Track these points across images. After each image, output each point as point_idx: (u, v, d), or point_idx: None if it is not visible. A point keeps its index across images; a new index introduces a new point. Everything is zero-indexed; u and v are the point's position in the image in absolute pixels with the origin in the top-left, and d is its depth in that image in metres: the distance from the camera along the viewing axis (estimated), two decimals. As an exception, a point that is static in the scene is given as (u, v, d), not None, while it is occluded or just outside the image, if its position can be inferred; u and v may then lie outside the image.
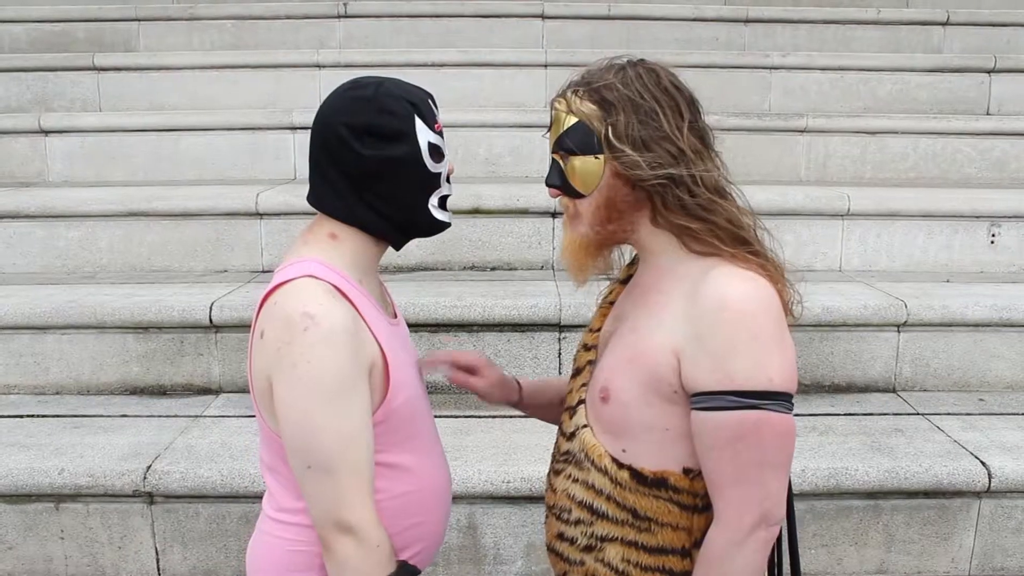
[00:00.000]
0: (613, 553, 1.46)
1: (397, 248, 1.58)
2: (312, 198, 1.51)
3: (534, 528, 2.81)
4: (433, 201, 1.52)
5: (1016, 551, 2.89)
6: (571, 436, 1.52)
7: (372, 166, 1.44)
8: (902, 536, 2.87)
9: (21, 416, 3.21)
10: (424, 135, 1.46)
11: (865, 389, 3.50)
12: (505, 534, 2.82)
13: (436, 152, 1.49)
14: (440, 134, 1.50)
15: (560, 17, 5.86)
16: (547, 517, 1.59)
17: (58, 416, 3.21)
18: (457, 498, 2.78)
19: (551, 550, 1.57)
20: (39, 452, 2.87)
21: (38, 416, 3.21)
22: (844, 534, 2.86)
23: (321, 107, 1.49)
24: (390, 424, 1.47)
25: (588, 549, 1.48)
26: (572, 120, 1.42)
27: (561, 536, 1.52)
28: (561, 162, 1.45)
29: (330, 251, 1.47)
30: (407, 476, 1.52)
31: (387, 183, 1.46)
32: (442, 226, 1.55)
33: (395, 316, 1.62)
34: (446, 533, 1.69)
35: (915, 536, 2.87)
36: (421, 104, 1.48)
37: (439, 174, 1.51)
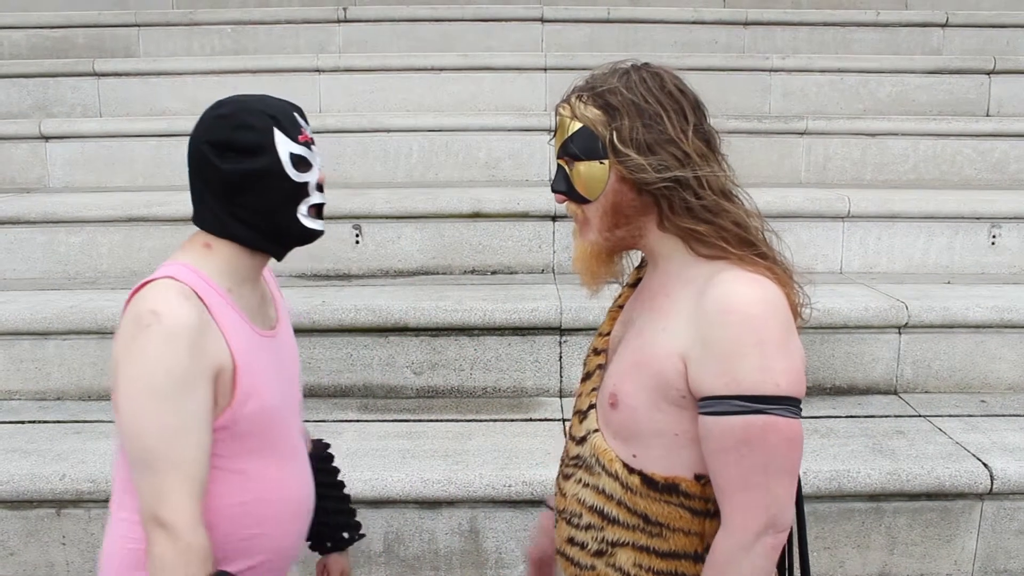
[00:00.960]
0: (624, 558, 1.45)
1: (278, 258, 1.63)
2: (196, 217, 1.57)
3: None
4: (302, 210, 1.55)
5: (1019, 553, 2.89)
6: (581, 441, 1.52)
7: (234, 180, 1.49)
8: (904, 538, 2.87)
9: (22, 422, 3.21)
10: (285, 146, 1.51)
11: (866, 391, 3.50)
12: (507, 538, 2.82)
13: (301, 162, 1.53)
14: (307, 144, 1.54)
15: (559, 21, 5.87)
16: (557, 522, 1.58)
17: (59, 422, 3.21)
18: (458, 502, 2.78)
19: (561, 555, 1.56)
20: (40, 458, 2.87)
21: (39, 422, 3.21)
22: (846, 537, 2.86)
23: (193, 128, 1.55)
24: (236, 431, 1.49)
25: (599, 554, 1.47)
26: (577, 125, 1.41)
27: (572, 541, 1.52)
28: (566, 167, 1.44)
29: (201, 259, 1.52)
30: (251, 485, 1.53)
31: (251, 195, 1.51)
32: (314, 234, 1.59)
33: (273, 328, 1.63)
34: (300, 551, 1.71)
35: (917, 538, 2.87)
36: (282, 116, 1.52)
37: (305, 184, 1.54)
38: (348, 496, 1.97)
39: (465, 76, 5.38)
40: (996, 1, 6.26)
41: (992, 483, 2.80)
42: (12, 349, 3.43)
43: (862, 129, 5.05)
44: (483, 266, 4.13)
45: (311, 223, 1.57)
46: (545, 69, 5.38)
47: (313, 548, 1.91)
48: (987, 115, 5.43)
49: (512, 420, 3.23)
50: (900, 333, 3.49)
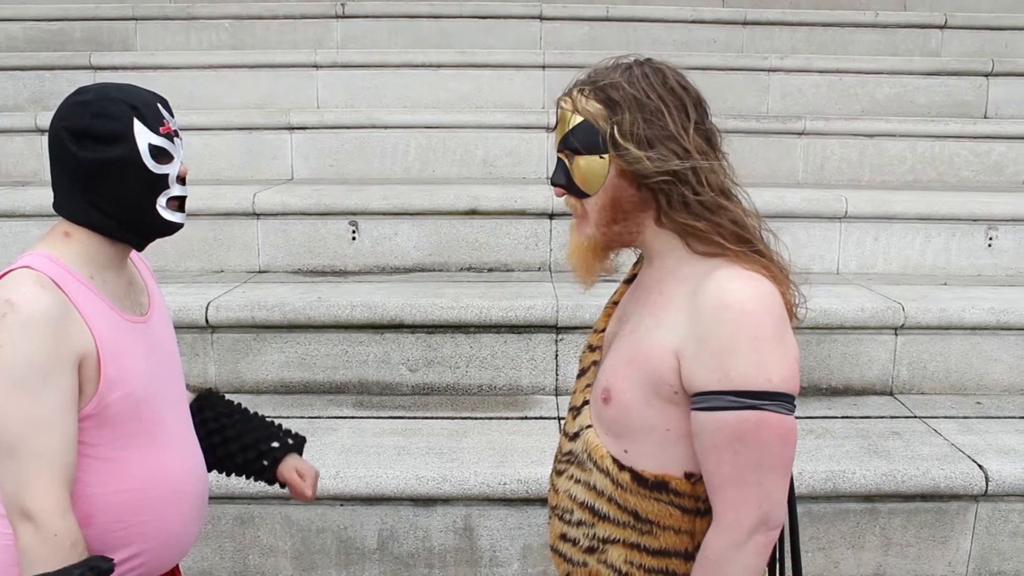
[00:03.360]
0: (615, 555, 1.45)
1: (139, 249, 1.62)
2: (56, 205, 1.55)
3: (531, 530, 2.80)
4: (161, 202, 1.55)
5: (1013, 555, 2.89)
6: (574, 437, 1.52)
7: (90, 168, 1.49)
8: (899, 539, 2.87)
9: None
10: (144, 137, 1.50)
11: (862, 392, 3.50)
12: (501, 536, 2.81)
13: (161, 154, 1.53)
14: (169, 136, 1.54)
15: (558, 18, 5.85)
16: (550, 518, 1.58)
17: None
18: (453, 500, 2.78)
19: (554, 551, 1.56)
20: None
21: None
22: (841, 537, 2.86)
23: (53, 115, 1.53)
24: (105, 418, 1.48)
25: (590, 551, 1.47)
26: (578, 119, 1.41)
27: (564, 537, 1.52)
28: (566, 161, 1.44)
29: (60, 247, 1.51)
30: (126, 473, 1.52)
31: (107, 184, 1.50)
32: (173, 227, 1.59)
33: (144, 315, 1.62)
34: (194, 535, 1.68)
35: (912, 539, 2.87)
36: (144, 107, 1.52)
37: (165, 175, 1.54)
38: (256, 415, 1.93)
39: (463, 73, 5.37)
40: (995, 3, 6.26)
41: (987, 485, 2.80)
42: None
43: (860, 130, 5.05)
44: (480, 263, 4.13)
45: (170, 215, 1.58)
46: (543, 67, 5.37)
47: (261, 479, 1.88)
48: (985, 117, 5.43)
49: (507, 418, 3.22)
50: (896, 334, 3.49)
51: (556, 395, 3.44)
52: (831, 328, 3.45)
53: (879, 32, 5.92)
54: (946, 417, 3.28)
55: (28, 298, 1.39)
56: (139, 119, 1.50)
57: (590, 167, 1.40)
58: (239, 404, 1.93)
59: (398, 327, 3.42)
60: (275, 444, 1.87)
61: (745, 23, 5.89)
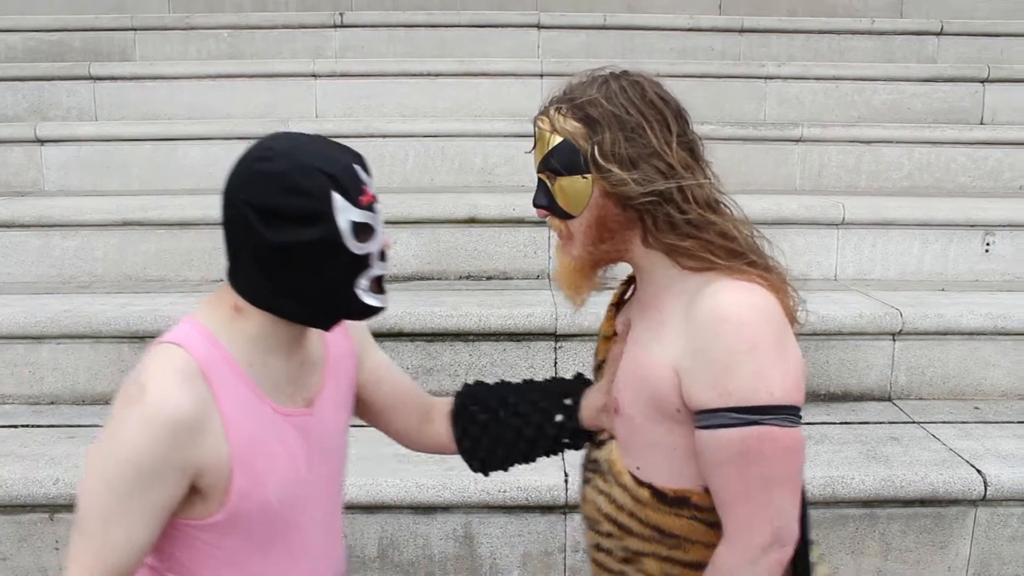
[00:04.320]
0: (652, 566, 1.43)
1: (325, 330, 1.40)
2: (231, 278, 1.34)
3: (531, 537, 2.81)
4: (362, 284, 1.32)
5: (1012, 559, 2.89)
6: (601, 444, 1.50)
7: (282, 252, 1.25)
8: (898, 545, 2.87)
9: (16, 426, 3.21)
10: (345, 214, 1.26)
11: (861, 398, 3.50)
12: (501, 543, 2.81)
13: (363, 230, 1.29)
14: (370, 207, 1.29)
15: (556, 27, 5.88)
16: (584, 525, 1.57)
17: (53, 426, 3.21)
18: (453, 507, 2.78)
19: (592, 560, 1.54)
20: (34, 462, 2.86)
21: (33, 426, 3.20)
22: (841, 543, 2.86)
23: (227, 177, 1.30)
24: (233, 527, 1.33)
25: (626, 561, 1.46)
26: (557, 139, 1.37)
27: (598, 547, 1.50)
28: (548, 182, 1.41)
29: (225, 325, 1.32)
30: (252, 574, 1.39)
31: (301, 271, 1.27)
32: (373, 311, 1.36)
33: (307, 404, 1.42)
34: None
35: (911, 545, 2.87)
36: (342, 175, 1.26)
37: (368, 255, 1.31)
38: (523, 382, 1.68)
39: (461, 82, 5.39)
40: (991, 10, 6.29)
41: (986, 490, 2.80)
42: (6, 353, 3.42)
43: (857, 136, 5.06)
44: (479, 271, 4.13)
45: (371, 299, 1.34)
46: (541, 75, 5.38)
47: (573, 444, 1.65)
48: (981, 123, 5.45)
49: (507, 425, 3.22)
50: (894, 340, 3.50)
51: (555, 402, 3.44)
52: (829, 334, 3.46)
53: (875, 39, 5.94)
54: (944, 422, 3.28)
55: (164, 393, 1.22)
56: (338, 191, 1.25)
57: (573, 188, 1.37)
58: (501, 381, 1.68)
59: (397, 335, 3.42)
60: (568, 401, 1.61)
61: (742, 31, 5.91)
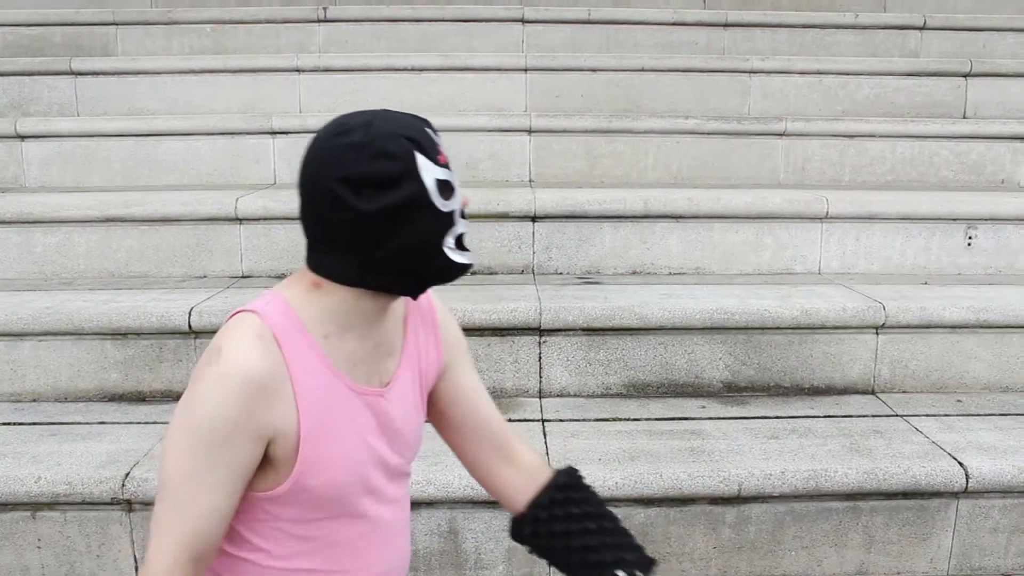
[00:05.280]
0: None
1: (414, 298, 1.42)
2: (312, 262, 1.34)
3: (515, 532, 2.80)
4: (449, 242, 1.34)
5: (993, 550, 2.92)
6: None
7: (375, 220, 1.26)
8: (881, 537, 2.89)
9: (-3, 424, 3.19)
10: (429, 172, 1.29)
11: (844, 391, 3.52)
12: (486, 539, 2.81)
13: (446, 188, 1.31)
14: (447, 166, 1.33)
15: (540, 21, 5.87)
16: None
17: (35, 424, 3.18)
18: (437, 503, 2.78)
19: None
20: (15, 460, 2.84)
21: (14, 424, 3.18)
22: (824, 536, 2.88)
23: (305, 160, 1.31)
24: (299, 500, 1.35)
25: None
26: None
27: None
28: None
29: (304, 297, 1.34)
30: (314, 553, 1.40)
31: (393, 235, 1.28)
32: (462, 269, 1.37)
33: (383, 384, 1.43)
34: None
35: (894, 537, 2.89)
36: (420, 137, 1.30)
37: (452, 212, 1.33)
38: (615, 522, 1.61)
39: (446, 76, 5.38)
40: (973, 4, 6.32)
41: (967, 482, 2.82)
42: (-13, 350, 3.40)
43: (841, 131, 5.08)
44: (463, 266, 4.12)
45: (459, 256, 1.35)
46: (526, 70, 5.38)
47: None
48: (964, 117, 5.48)
49: (492, 421, 3.22)
50: (877, 333, 3.51)
51: (540, 397, 3.44)
52: (813, 328, 3.47)
53: (859, 33, 5.96)
54: (927, 415, 3.30)
55: (239, 353, 1.25)
56: (420, 152, 1.28)
57: None
58: (598, 498, 1.64)
59: (382, 331, 3.41)
60: (619, 572, 1.53)
61: (726, 25, 5.92)
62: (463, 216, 1.37)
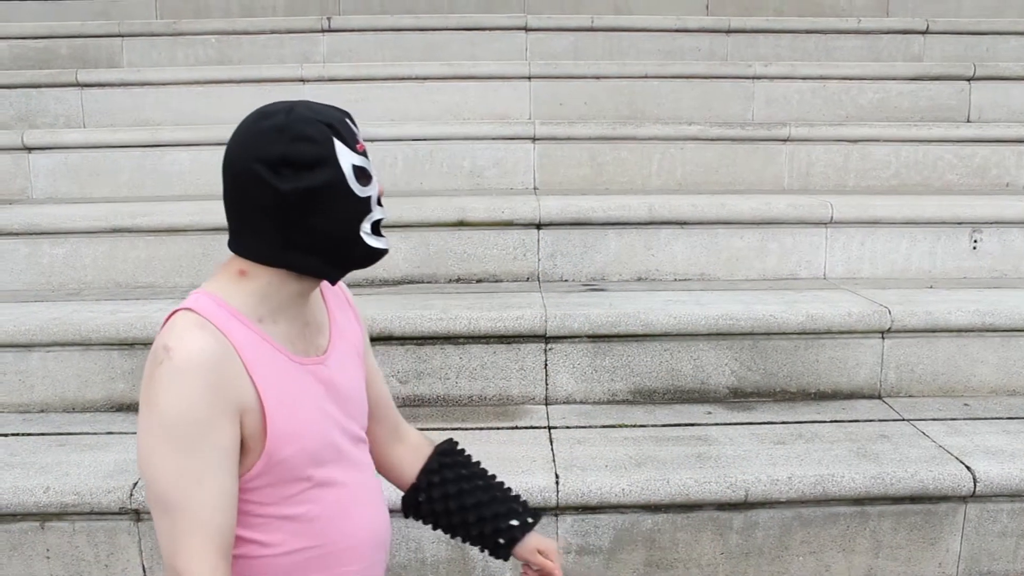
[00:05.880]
0: None
1: (333, 282, 1.49)
2: (235, 246, 1.41)
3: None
4: (365, 228, 1.41)
5: (1002, 555, 2.91)
6: None
7: (293, 200, 1.33)
8: (889, 542, 2.88)
9: (6, 435, 3.19)
10: (346, 158, 1.36)
11: (851, 396, 3.51)
12: (494, 546, 2.81)
13: (362, 175, 1.38)
14: (364, 155, 1.40)
15: (543, 29, 5.89)
16: None
17: (43, 434, 3.20)
18: (445, 511, 2.77)
19: None
20: (24, 471, 2.85)
21: (23, 434, 3.19)
22: (832, 541, 2.87)
23: (228, 145, 1.38)
24: (275, 476, 1.38)
25: None
26: None
27: None
28: None
29: (230, 287, 1.39)
30: (299, 532, 1.42)
31: (311, 216, 1.35)
32: (378, 254, 1.45)
33: (321, 354, 1.49)
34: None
35: (902, 542, 2.88)
36: (339, 125, 1.37)
37: (368, 198, 1.40)
38: (496, 481, 1.79)
39: (449, 85, 5.40)
40: (976, 8, 6.33)
41: (975, 486, 2.82)
42: (-5, 361, 3.41)
43: (844, 136, 5.08)
44: (468, 274, 4.14)
45: (375, 241, 1.43)
46: (529, 78, 5.40)
47: (497, 556, 1.77)
48: (968, 121, 5.48)
49: (498, 428, 3.23)
50: (883, 338, 3.51)
51: (546, 404, 3.45)
52: (819, 333, 3.47)
53: (862, 38, 5.97)
54: (934, 419, 3.30)
55: (188, 344, 1.28)
56: (338, 138, 1.35)
57: None
58: (478, 463, 1.81)
59: (387, 339, 3.42)
60: (514, 522, 1.73)
61: (729, 31, 5.93)
62: (380, 204, 1.44)
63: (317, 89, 5.33)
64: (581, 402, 3.47)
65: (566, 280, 4.14)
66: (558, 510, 2.77)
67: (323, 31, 5.85)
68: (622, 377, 3.47)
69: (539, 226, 4.10)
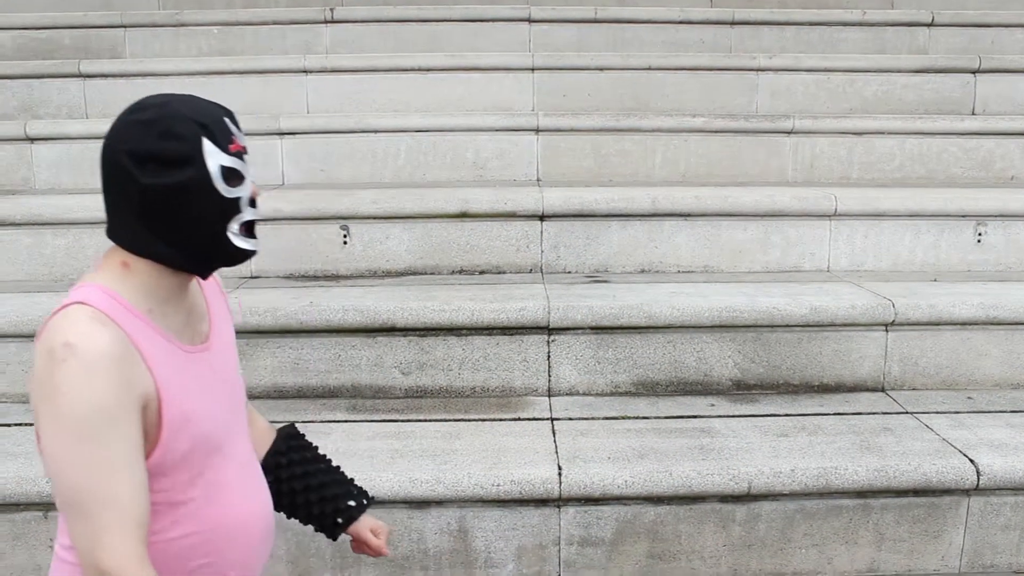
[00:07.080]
0: None
1: (203, 278, 1.51)
2: (109, 231, 1.42)
3: (525, 531, 2.81)
4: (233, 228, 1.42)
5: (1005, 548, 2.91)
6: None
7: (156, 195, 1.35)
8: (892, 535, 2.88)
9: (8, 425, 3.20)
10: (215, 158, 1.37)
11: (854, 388, 3.51)
12: (496, 537, 2.82)
13: (232, 175, 1.40)
14: (239, 155, 1.41)
15: (547, 21, 5.87)
16: None
17: (46, 424, 3.19)
18: (447, 502, 2.78)
19: None
20: (27, 461, 2.86)
21: (26, 424, 3.19)
22: (834, 533, 2.87)
23: (105, 135, 1.41)
24: (171, 463, 1.39)
25: None
26: None
27: None
28: None
29: (117, 279, 1.39)
30: (191, 515, 1.45)
31: (174, 212, 1.36)
32: (245, 255, 1.47)
33: (204, 342, 1.52)
34: (261, 564, 1.62)
35: (905, 534, 2.88)
36: (213, 124, 1.38)
37: (237, 199, 1.41)
38: (335, 467, 1.89)
39: (452, 76, 5.38)
40: (981, 0, 6.29)
41: (978, 479, 2.81)
42: (-2, 352, 3.41)
43: (849, 128, 5.06)
44: (471, 266, 4.13)
45: (242, 242, 1.44)
46: (532, 69, 5.38)
47: (329, 535, 1.86)
48: (973, 113, 5.46)
49: (500, 419, 3.23)
50: (887, 331, 3.50)
51: (549, 396, 3.44)
52: (822, 325, 3.46)
53: (867, 30, 5.94)
54: (937, 412, 3.29)
55: (88, 338, 1.28)
56: (208, 138, 1.37)
57: None
58: (317, 447, 1.89)
59: (390, 330, 3.42)
60: (351, 503, 1.84)
61: (733, 23, 5.90)
62: (253, 205, 1.46)
63: (320, 80, 5.32)
64: (584, 394, 3.47)
65: (569, 272, 4.13)
66: (561, 502, 2.77)
67: (326, 22, 5.83)
68: (625, 369, 3.47)
69: (542, 218, 4.10)
